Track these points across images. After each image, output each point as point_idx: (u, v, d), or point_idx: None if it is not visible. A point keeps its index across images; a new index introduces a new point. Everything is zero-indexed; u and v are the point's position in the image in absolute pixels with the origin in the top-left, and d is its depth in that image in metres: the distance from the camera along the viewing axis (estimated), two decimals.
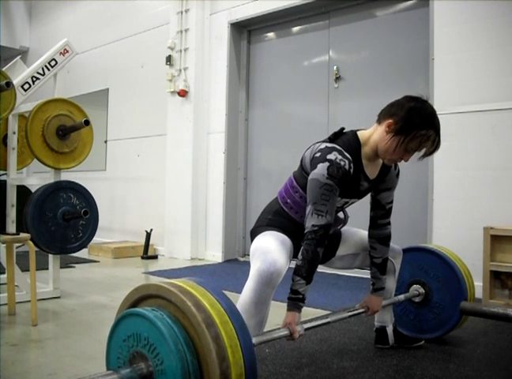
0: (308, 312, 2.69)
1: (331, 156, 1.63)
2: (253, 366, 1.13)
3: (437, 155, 3.67)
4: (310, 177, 1.66)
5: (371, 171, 1.78)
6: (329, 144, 1.69)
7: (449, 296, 2.14)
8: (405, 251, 2.21)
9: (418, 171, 3.82)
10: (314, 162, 1.66)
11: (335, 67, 4.39)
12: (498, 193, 3.28)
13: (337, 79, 4.37)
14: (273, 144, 4.89)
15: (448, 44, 3.55)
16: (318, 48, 4.57)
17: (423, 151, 1.71)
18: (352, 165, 1.66)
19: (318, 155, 1.66)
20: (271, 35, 5.00)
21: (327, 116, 4.45)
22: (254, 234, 1.84)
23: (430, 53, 3.64)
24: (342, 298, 3.18)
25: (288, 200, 1.83)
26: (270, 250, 1.63)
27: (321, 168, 1.62)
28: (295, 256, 1.78)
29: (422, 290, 2.20)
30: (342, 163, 1.63)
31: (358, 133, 1.77)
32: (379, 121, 1.75)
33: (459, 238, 3.32)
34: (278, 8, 4.59)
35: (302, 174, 1.79)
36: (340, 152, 1.65)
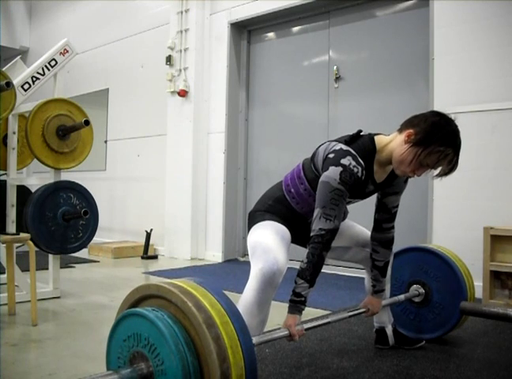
0: (308, 312, 2.69)
1: (345, 161, 1.61)
2: (253, 367, 1.13)
3: None
4: (321, 179, 1.64)
5: (380, 176, 1.77)
6: (345, 147, 1.65)
7: (449, 296, 2.14)
8: (405, 251, 2.21)
9: None
10: (327, 163, 1.64)
11: (335, 67, 4.38)
12: (498, 193, 3.28)
13: (337, 79, 4.37)
14: (273, 144, 4.89)
15: (448, 44, 3.54)
16: (318, 48, 4.57)
17: (439, 170, 1.66)
18: (364, 172, 1.65)
19: (331, 156, 1.64)
20: (271, 35, 5.00)
21: (327, 116, 4.45)
22: (252, 218, 1.83)
23: (430, 53, 3.64)
24: (342, 298, 3.18)
25: (292, 190, 1.81)
26: (271, 248, 1.62)
27: (334, 172, 1.60)
28: (292, 242, 1.79)
29: (422, 290, 2.20)
30: (355, 169, 1.61)
31: (375, 137, 1.73)
32: (400, 130, 1.70)
33: (459, 238, 3.32)
34: (278, 8, 4.59)
35: (311, 168, 1.77)
36: (354, 158, 1.63)
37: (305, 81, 4.63)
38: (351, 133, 1.73)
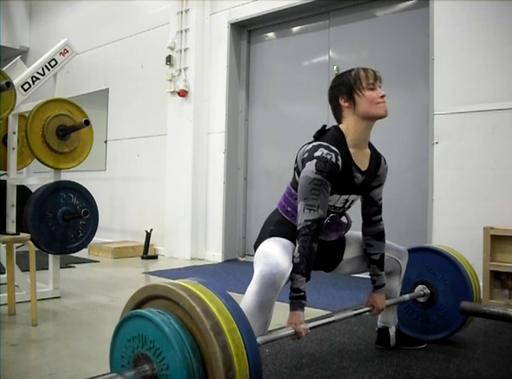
0: (308, 312, 2.68)
1: (317, 153, 1.67)
2: (258, 375, 1.12)
3: (437, 154, 3.67)
4: (300, 176, 1.69)
5: (361, 161, 1.80)
6: (315, 143, 1.73)
7: (454, 300, 2.11)
8: (414, 250, 2.21)
9: (418, 171, 3.82)
10: (304, 162, 1.70)
11: (335, 67, 4.38)
12: (499, 193, 3.28)
13: None
14: (273, 144, 4.89)
15: (448, 44, 3.54)
16: (318, 48, 4.57)
17: (372, 78, 1.81)
18: (339, 157, 1.69)
19: (305, 155, 1.70)
20: (271, 35, 5.00)
21: (327, 116, 4.43)
22: (257, 244, 1.84)
23: (430, 53, 3.64)
24: (342, 298, 3.17)
25: (289, 209, 1.83)
26: (272, 253, 1.63)
27: (310, 165, 1.66)
28: None
29: (427, 291, 2.19)
30: (329, 156, 1.66)
31: (340, 125, 1.83)
32: (338, 117, 1.83)
33: (459, 238, 3.32)
34: (278, 8, 4.59)
35: (296, 181, 1.80)
36: (326, 147, 1.68)
37: (305, 81, 4.63)
38: (318, 129, 1.83)
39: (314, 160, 1.65)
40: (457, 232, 3.40)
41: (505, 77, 3.29)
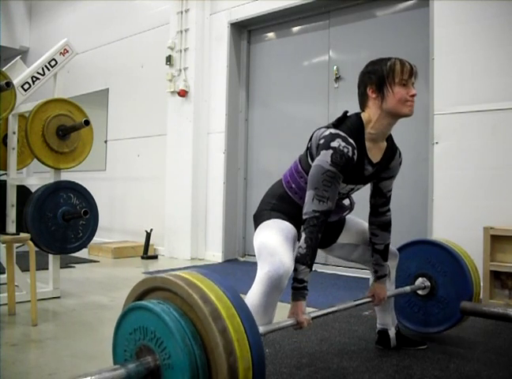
0: (308, 312, 2.69)
1: (334, 144, 1.64)
2: (261, 360, 1.12)
3: (437, 154, 3.66)
4: (313, 163, 1.67)
5: (374, 154, 1.78)
6: (333, 131, 1.68)
7: (454, 292, 2.14)
8: (414, 243, 2.23)
9: (418, 171, 3.82)
10: (319, 149, 1.67)
11: (335, 67, 4.39)
12: (498, 193, 3.28)
13: (337, 79, 4.37)
14: (273, 144, 4.89)
15: (448, 44, 3.54)
16: (318, 48, 4.57)
17: (407, 73, 1.70)
18: (355, 151, 1.67)
19: (321, 142, 1.67)
20: (271, 35, 5.00)
21: (327, 116, 4.44)
22: (257, 218, 1.83)
23: (430, 53, 3.64)
24: (342, 298, 3.17)
25: (293, 185, 1.82)
26: (277, 251, 1.61)
27: (325, 155, 1.63)
28: (298, 239, 1.78)
29: (428, 284, 2.20)
30: (345, 149, 1.63)
31: (362, 114, 1.78)
32: (363, 105, 1.78)
33: (459, 238, 3.29)
34: (278, 8, 4.59)
35: (307, 160, 1.78)
36: (344, 139, 1.65)
37: (305, 81, 4.63)
38: (339, 116, 1.77)
39: (331, 151, 1.62)
40: (457, 232, 3.40)
41: (505, 77, 3.29)
